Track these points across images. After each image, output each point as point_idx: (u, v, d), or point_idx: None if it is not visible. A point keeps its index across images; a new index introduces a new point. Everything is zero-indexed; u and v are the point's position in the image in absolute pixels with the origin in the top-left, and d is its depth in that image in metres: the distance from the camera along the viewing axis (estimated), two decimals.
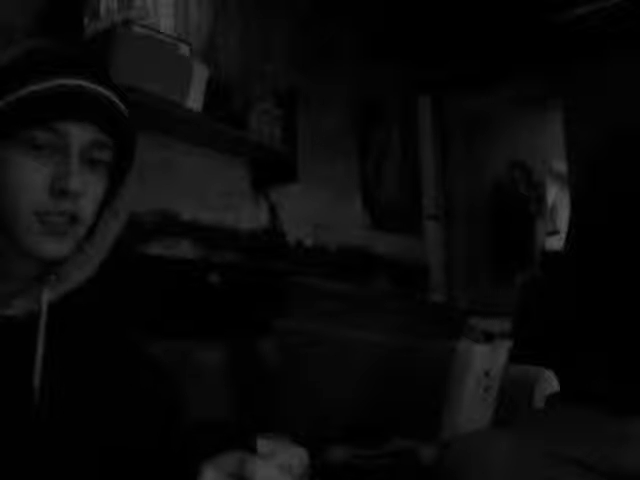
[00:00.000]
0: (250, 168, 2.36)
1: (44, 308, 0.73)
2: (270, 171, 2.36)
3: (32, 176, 0.69)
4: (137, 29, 1.75)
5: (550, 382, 1.56)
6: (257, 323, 1.85)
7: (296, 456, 0.71)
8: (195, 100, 1.91)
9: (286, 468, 0.66)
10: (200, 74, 1.91)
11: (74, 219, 0.72)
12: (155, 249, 1.91)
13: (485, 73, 3.23)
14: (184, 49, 1.90)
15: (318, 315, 1.58)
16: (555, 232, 4.15)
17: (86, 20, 1.71)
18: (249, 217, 2.33)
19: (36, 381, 0.71)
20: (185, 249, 2.03)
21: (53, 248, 0.72)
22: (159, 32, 1.86)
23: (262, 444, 0.66)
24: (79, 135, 0.71)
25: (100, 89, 0.72)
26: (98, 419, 0.75)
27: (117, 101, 0.74)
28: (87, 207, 0.73)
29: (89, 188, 0.73)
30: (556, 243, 4.00)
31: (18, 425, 0.71)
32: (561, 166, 3.76)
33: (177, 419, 0.84)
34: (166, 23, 2.05)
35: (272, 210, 2.42)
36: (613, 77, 2.84)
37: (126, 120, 0.76)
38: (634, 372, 0.53)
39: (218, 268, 2.07)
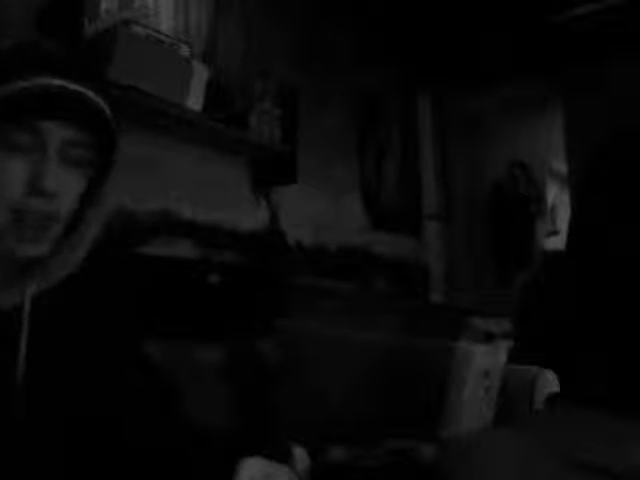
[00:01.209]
0: (250, 168, 2.36)
1: (27, 301, 0.75)
2: (270, 171, 2.36)
3: (9, 175, 0.70)
4: (137, 29, 1.75)
5: (550, 382, 1.56)
6: (257, 323, 1.85)
7: (297, 457, 0.72)
8: (195, 100, 1.91)
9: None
10: (200, 74, 1.91)
11: (50, 218, 0.72)
12: (155, 249, 1.91)
13: (485, 73, 3.23)
14: (184, 49, 1.90)
15: (318, 315, 1.58)
16: (555, 232, 4.15)
17: (86, 20, 1.71)
18: (249, 217, 2.33)
19: (20, 368, 0.72)
20: (185, 249, 2.03)
21: (29, 249, 0.72)
22: (159, 32, 1.86)
23: (298, 453, 0.68)
24: (57, 134, 0.71)
25: (80, 89, 0.71)
26: (80, 406, 0.76)
27: (98, 100, 0.73)
28: (64, 206, 0.73)
29: (68, 186, 0.73)
30: (556, 243, 4.00)
31: (4, 402, 0.72)
32: (561, 166, 3.76)
33: (163, 408, 0.84)
34: (166, 23, 2.05)
35: (272, 210, 2.42)
36: (613, 77, 2.84)
37: (107, 119, 0.75)
38: (635, 373, 0.53)
39: (218, 268, 2.07)
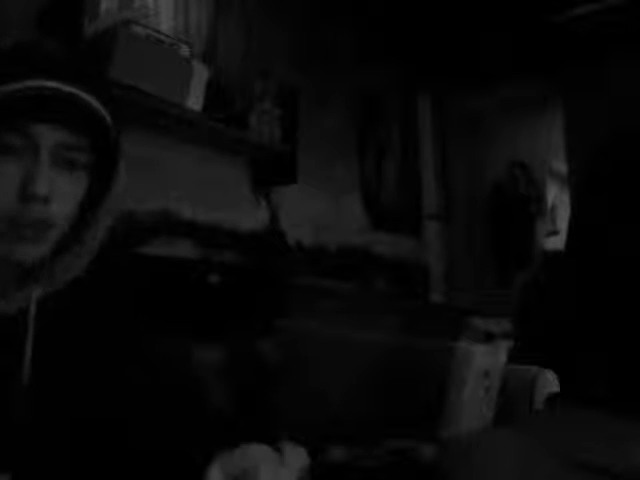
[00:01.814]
0: (250, 168, 2.36)
1: (33, 305, 0.74)
2: (270, 171, 2.36)
3: (1, 180, 0.68)
4: (137, 29, 1.76)
5: (550, 382, 1.56)
6: (257, 323, 1.85)
7: (297, 456, 0.71)
8: (195, 100, 1.91)
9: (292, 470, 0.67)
10: (200, 74, 1.91)
11: (45, 224, 0.71)
12: (155, 249, 1.91)
13: (485, 73, 3.23)
14: (184, 50, 1.90)
15: (318, 315, 1.58)
16: (555, 232, 4.15)
17: (86, 20, 1.71)
18: (249, 217, 2.33)
19: (25, 371, 0.72)
20: (185, 249, 2.03)
21: (26, 253, 0.71)
22: (159, 32, 1.86)
23: (287, 448, 0.67)
24: (49, 137, 0.69)
25: (75, 91, 0.70)
26: (85, 408, 0.76)
27: (93, 102, 0.71)
28: (61, 211, 0.72)
29: (63, 189, 0.72)
30: (556, 243, 4.00)
31: (9, 405, 0.72)
32: (561, 166, 3.76)
33: (166, 408, 0.84)
34: (166, 24, 2.05)
35: (272, 210, 2.42)
36: (613, 77, 2.84)
37: (104, 122, 0.73)
38: (635, 372, 0.53)
39: (218, 268, 2.07)
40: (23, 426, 0.72)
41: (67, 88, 0.69)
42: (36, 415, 0.73)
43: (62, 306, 0.78)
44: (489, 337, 1.42)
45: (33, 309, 0.75)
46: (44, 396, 0.74)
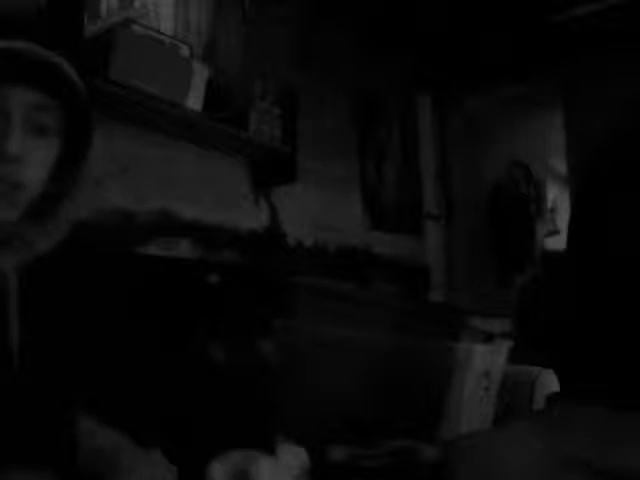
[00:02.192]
0: (250, 168, 2.36)
1: (12, 272, 0.74)
2: (270, 171, 2.36)
3: None
4: (137, 29, 1.76)
5: (550, 382, 1.56)
6: (257, 323, 1.85)
7: (296, 456, 0.71)
8: (195, 100, 1.91)
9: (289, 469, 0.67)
10: (200, 74, 1.91)
11: (16, 186, 0.71)
12: (155, 249, 1.91)
13: (485, 73, 3.23)
14: (184, 49, 1.90)
15: (318, 315, 1.58)
16: (555, 232, 4.15)
17: (86, 20, 1.71)
18: (249, 217, 2.33)
19: (13, 337, 0.71)
20: (185, 249, 2.03)
21: None
22: (159, 32, 1.86)
23: (283, 450, 0.67)
24: (20, 99, 0.70)
25: (46, 54, 0.70)
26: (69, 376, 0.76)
27: (67, 68, 0.72)
28: (32, 174, 0.72)
29: (35, 153, 0.72)
30: (556, 243, 4.00)
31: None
32: (561, 166, 3.76)
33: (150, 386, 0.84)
34: (166, 24, 2.05)
35: (272, 210, 2.42)
36: (613, 77, 2.84)
37: (77, 88, 0.74)
38: (635, 372, 0.53)
39: (218, 268, 2.07)
40: (12, 394, 0.72)
41: (38, 51, 0.69)
42: (23, 385, 0.73)
43: (44, 278, 0.77)
44: (489, 337, 1.42)
45: (14, 277, 0.74)
46: (30, 364, 0.73)
